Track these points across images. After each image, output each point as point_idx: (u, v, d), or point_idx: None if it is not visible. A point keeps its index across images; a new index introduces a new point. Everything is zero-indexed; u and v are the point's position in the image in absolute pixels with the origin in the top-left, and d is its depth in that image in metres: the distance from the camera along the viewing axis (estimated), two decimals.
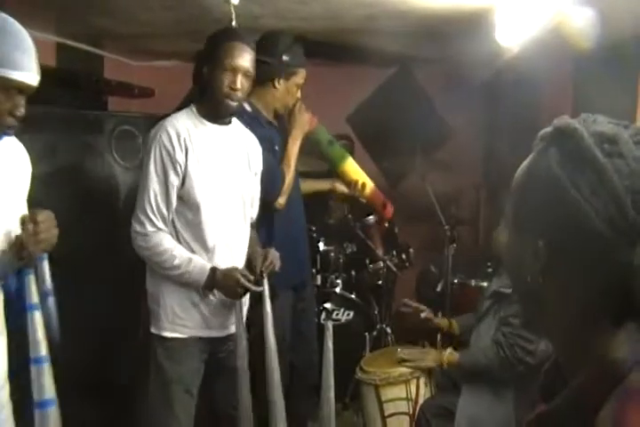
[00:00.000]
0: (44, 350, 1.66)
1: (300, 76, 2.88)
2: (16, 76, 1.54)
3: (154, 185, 2.18)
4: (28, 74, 1.57)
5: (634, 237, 0.74)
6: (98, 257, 2.59)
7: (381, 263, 3.77)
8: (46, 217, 1.65)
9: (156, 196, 2.18)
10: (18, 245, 1.62)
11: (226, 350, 2.37)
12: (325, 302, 3.50)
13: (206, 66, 2.24)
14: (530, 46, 2.84)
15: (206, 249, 2.26)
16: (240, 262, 2.36)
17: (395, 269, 3.77)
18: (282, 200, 2.79)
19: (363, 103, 4.74)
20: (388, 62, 4.46)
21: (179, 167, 2.19)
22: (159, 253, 2.19)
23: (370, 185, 3.36)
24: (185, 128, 2.22)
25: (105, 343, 2.63)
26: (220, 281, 2.21)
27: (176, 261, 2.18)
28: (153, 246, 2.19)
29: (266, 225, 2.84)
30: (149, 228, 2.19)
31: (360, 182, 3.30)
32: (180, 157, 2.18)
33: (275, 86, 2.82)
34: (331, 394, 2.31)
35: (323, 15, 2.94)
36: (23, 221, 1.64)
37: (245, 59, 2.24)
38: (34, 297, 1.67)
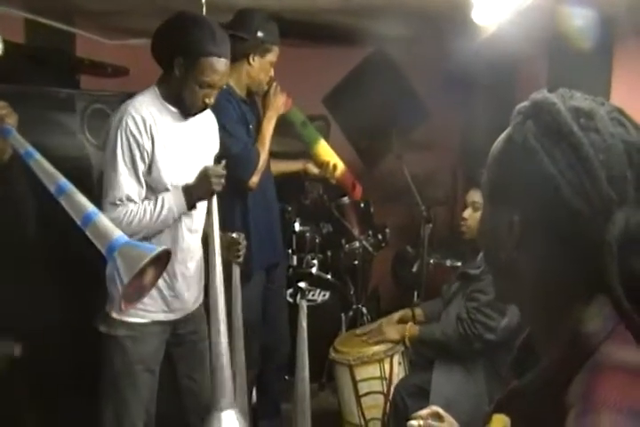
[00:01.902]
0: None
1: (274, 54, 2.88)
2: None
3: (123, 171, 2.13)
4: None
5: (606, 212, 0.75)
6: (69, 237, 2.55)
7: (357, 243, 3.78)
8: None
9: (126, 182, 2.14)
10: None
11: (186, 327, 2.40)
12: (300, 281, 3.51)
13: (179, 59, 2.16)
14: (506, 26, 2.83)
15: (173, 235, 2.26)
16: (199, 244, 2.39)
17: (371, 249, 3.78)
18: (255, 179, 2.78)
19: (339, 84, 4.71)
20: (365, 43, 4.43)
21: (145, 154, 2.15)
22: (132, 214, 2.14)
23: (341, 166, 3.36)
24: (150, 114, 2.18)
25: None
26: (197, 189, 2.20)
27: (149, 207, 2.15)
28: (124, 215, 2.13)
29: (240, 206, 2.84)
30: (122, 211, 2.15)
31: (331, 164, 3.29)
32: (146, 143, 2.15)
33: (249, 63, 2.83)
34: (305, 374, 2.32)
35: None
36: None
37: (222, 73, 2.20)
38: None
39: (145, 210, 2.15)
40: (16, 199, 1.76)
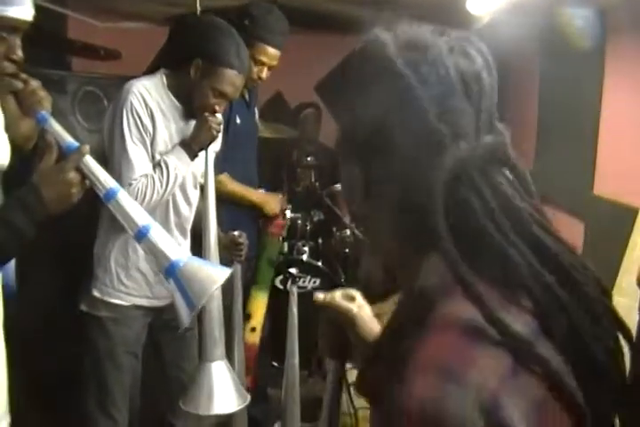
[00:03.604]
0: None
1: (259, 51, 2.74)
2: (10, 12, 1.34)
3: (133, 150, 2.10)
4: (22, 8, 1.37)
5: (439, 149, 0.71)
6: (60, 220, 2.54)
7: (348, 231, 3.78)
8: None
9: (138, 160, 2.11)
10: None
11: (170, 313, 2.37)
12: (289, 267, 3.50)
13: (198, 61, 2.13)
14: (498, 16, 2.83)
15: (167, 225, 2.24)
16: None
17: (362, 236, 3.78)
18: None
19: (331, 72, 4.67)
20: (359, 31, 4.41)
21: (148, 134, 2.14)
22: (144, 187, 2.09)
23: None
24: (153, 99, 2.15)
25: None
26: (197, 139, 2.17)
27: (157, 174, 2.12)
28: (138, 191, 2.08)
29: None
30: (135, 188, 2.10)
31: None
32: (149, 125, 2.13)
33: None
34: (295, 360, 2.34)
35: None
36: None
37: (238, 87, 2.20)
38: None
39: (154, 179, 2.12)
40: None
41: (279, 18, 2.79)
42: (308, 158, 3.90)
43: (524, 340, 0.67)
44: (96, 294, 2.21)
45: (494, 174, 0.74)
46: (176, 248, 1.38)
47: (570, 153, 3.12)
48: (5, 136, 1.55)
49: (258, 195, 3.04)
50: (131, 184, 2.08)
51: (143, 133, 2.12)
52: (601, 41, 2.80)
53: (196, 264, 1.38)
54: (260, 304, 3.15)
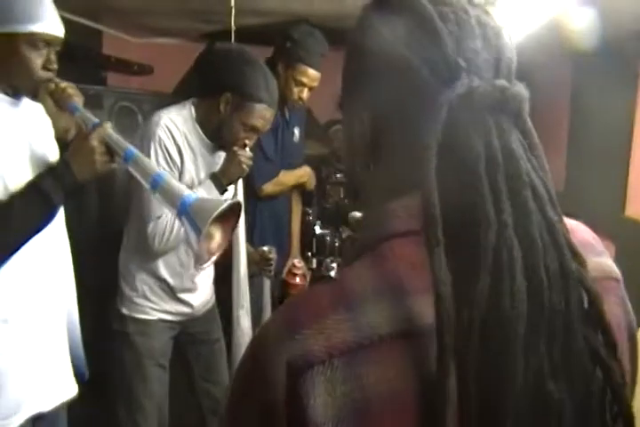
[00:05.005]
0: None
1: (300, 72, 2.79)
2: (38, 28, 1.55)
3: None
4: (50, 24, 1.58)
5: (454, 80, 0.65)
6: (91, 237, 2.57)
7: None
8: None
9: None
10: None
11: (195, 327, 2.40)
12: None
13: (227, 95, 2.14)
14: (528, 42, 2.82)
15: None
16: None
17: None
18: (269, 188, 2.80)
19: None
20: None
21: (175, 169, 2.15)
22: (173, 220, 2.10)
23: None
24: (182, 134, 2.16)
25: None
26: (226, 173, 2.17)
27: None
28: (167, 224, 2.10)
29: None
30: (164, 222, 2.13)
31: None
32: (176, 159, 2.15)
33: (277, 69, 2.77)
34: None
35: None
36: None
37: (268, 121, 2.20)
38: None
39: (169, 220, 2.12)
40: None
41: (319, 40, 2.83)
42: (338, 175, 3.91)
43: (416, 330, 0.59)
44: (124, 311, 2.25)
45: (506, 125, 0.66)
46: (184, 189, 1.61)
47: (601, 174, 3.11)
48: (55, 143, 1.76)
49: (301, 173, 3.15)
50: (159, 217, 2.10)
51: (171, 167, 2.13)
52: (634, 61, 2.79)
53: (201, 198, 1.61)
54: None
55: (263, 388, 0.59)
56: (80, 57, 3.15)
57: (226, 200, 1.57)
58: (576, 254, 0.64)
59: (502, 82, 0.67)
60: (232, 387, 0.66)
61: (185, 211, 1.53)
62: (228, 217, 1.61)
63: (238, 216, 1.69)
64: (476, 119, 0.64)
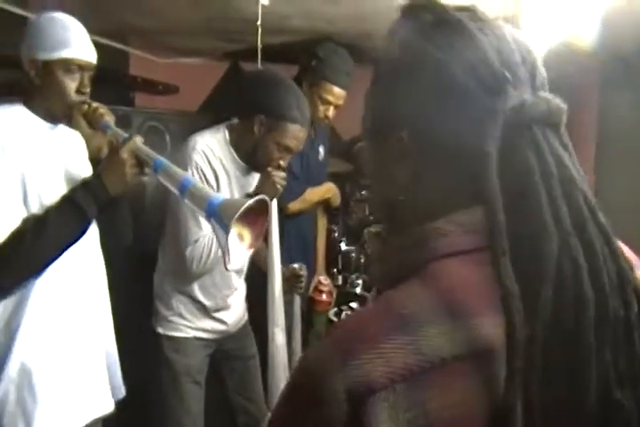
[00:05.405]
0: None
1: (326, 90, 2.78)
2: (72, 54, 1.63)
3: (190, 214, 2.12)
4: (83, 50, 1.66)
5: (501, 92, 0.66)
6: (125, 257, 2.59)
7: None
8: None
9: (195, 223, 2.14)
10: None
11: (228, 344, 2.42)
12: (350, 301, 3.50)
13: (260, 117, 2.15)
14: (555, 53, 2.82)
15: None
16: None
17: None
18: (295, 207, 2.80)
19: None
20: None
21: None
22: (210, 243, 2.11)
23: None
24: (217, 158, 2.18)
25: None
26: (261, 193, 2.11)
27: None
28: (204, 248, 2.11)
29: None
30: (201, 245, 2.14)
31: None
32: (212, 183, 2.17)
33: (302, 88, 2.78)
34: None
35: (352, 17, 2.93)
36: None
37: (301, 141, 2.21)
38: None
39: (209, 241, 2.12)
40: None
41: (345, 58, 2.83)
42: (362, 192, 3.92)
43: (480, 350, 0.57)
44: (159, 330, 2.27)
45: (551, 136, 0.67)
46: (211, 192, 1.65)
47: (629, 187, 3.08)
48: (89, 164, 1.84)
49: (325, 189, 3.10)
50: (197, 240, 2.12)
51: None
52: None
53: (228, 199, 1.66)
54: None
55: (321, 418, 0.56)
56: (109, 79, 3.21)
57: (249, 199, 1.57)
58: (627, 261, 0.64)
59: (546, 94, 0.68)
60: (277, 419, 0.62)
61: (213, 212, 1.55)
62: (256, 217, 1.61)
63: (267, 216, 1.70)
64: (526, 130, 0.65)
